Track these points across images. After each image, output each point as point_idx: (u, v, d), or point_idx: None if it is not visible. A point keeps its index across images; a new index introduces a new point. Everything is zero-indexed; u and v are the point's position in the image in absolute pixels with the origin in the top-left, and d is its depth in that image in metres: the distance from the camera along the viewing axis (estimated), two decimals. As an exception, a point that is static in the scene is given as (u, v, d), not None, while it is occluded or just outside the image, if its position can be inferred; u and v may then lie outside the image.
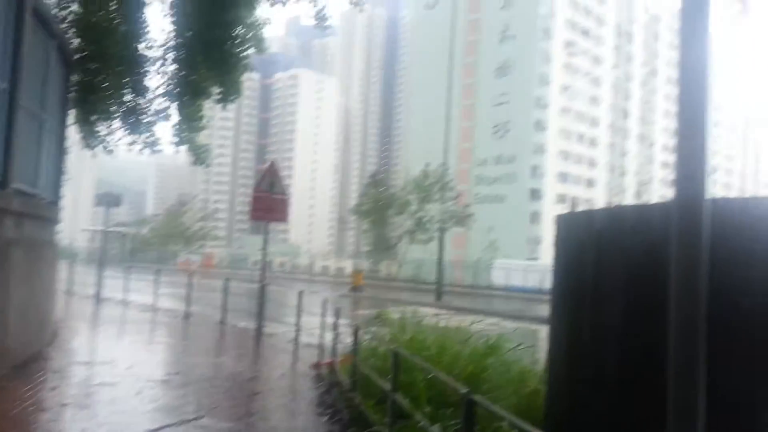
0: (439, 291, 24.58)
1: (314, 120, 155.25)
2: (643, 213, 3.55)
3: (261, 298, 11.62)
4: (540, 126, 75.67)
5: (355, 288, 27.39)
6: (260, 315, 11.48)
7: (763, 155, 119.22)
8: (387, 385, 4.64)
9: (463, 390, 3.20)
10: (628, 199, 79.91)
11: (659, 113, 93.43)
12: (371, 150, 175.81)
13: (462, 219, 40.06)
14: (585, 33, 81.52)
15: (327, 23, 11.37)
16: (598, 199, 78.60)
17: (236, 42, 11.43)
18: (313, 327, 9.66)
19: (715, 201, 2.53)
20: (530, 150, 74.81)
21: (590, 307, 3.65)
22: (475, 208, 54.17)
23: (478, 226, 53.31)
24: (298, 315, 10.22)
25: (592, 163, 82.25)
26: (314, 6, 11.00)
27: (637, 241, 3.25)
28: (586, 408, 3.54)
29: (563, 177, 78.09)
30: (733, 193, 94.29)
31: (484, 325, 8.88)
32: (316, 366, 8.01)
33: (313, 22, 11.33)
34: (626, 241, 3.38)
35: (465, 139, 76.63)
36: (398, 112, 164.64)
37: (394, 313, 9.00)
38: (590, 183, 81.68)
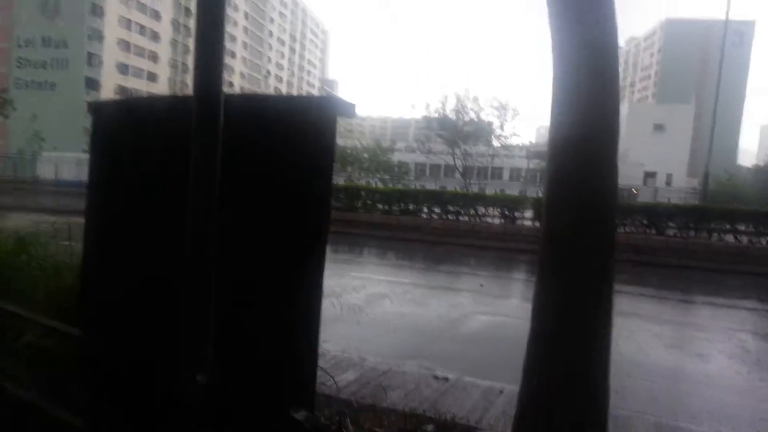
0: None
1: None
2: (176, 103, 3.64)
3: None
4: (97, 11, 68.03)
5: None
6: None
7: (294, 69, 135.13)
8: None
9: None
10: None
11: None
12: None
13: (-3, 105, 33.41)
14: None
15: None
16: (161, 93, 77.14)
17: None
18: None
19: (227, 96, 2.80)
20: (85, 36, 66.96)
21: (124, 198, 3.58)
22: (16, 94, 46.64)
23: (21, 114, 46.02)
24: None
25: (154, 58, 79.28)
26: None
27: (170, 130, 3.26)
28: (115, 304, 3.49)
29: (123, 68, 73.26)
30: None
31: (21, 222, 7.89)
32: None
33: None
34: (160, 130, 3.38)
35: (2, 17, 63.16)
36: None
37: None
38: (153, 77, 79.01)
